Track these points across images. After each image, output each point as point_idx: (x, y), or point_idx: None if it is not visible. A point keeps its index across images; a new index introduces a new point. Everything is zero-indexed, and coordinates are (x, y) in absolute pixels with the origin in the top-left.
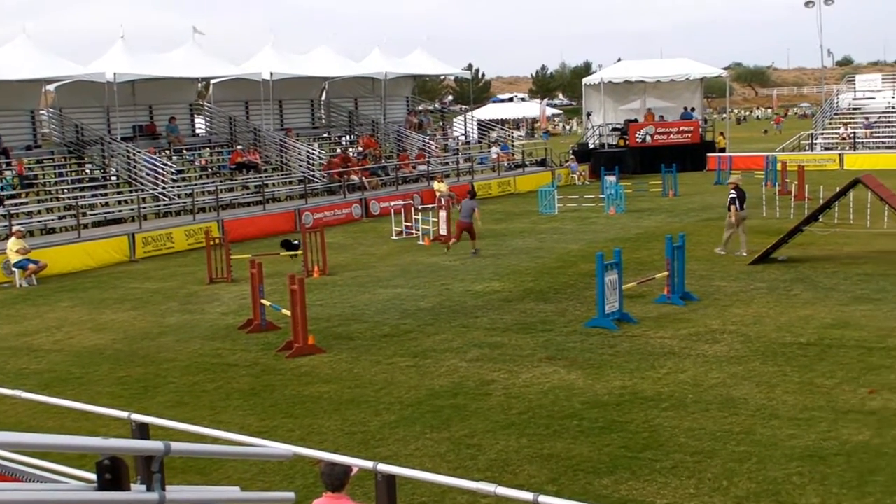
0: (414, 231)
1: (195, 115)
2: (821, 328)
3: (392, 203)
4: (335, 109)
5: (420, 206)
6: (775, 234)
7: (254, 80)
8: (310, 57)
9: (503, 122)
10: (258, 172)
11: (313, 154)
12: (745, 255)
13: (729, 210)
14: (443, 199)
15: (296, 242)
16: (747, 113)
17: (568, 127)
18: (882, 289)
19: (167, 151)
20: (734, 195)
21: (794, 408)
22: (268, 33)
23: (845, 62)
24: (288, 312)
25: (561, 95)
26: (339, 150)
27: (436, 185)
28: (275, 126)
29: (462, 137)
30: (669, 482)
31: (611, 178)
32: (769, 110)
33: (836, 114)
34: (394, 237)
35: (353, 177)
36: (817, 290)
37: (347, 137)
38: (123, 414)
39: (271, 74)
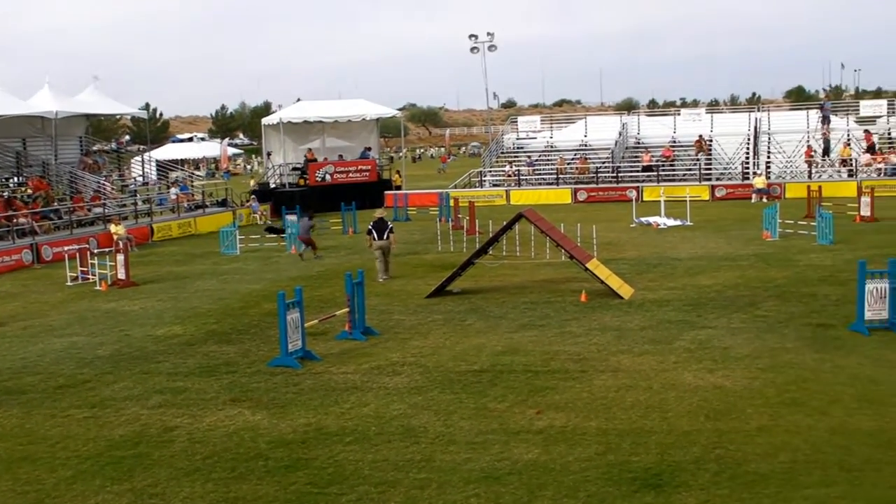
0: (90, 276)
1: None
2: (493, 355)
3: (66, 248)
4: (1, 150)
5: (96, 250)
6: (450, 268)
7: None
8: None
9: (183, 162)
10: None
11: None
12: (382, 280)
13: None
14: (121, 242)
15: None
16: (422, 151)
17: (249, 167)
18: (546, 315)
19: None
20: (370, 226)
21: (470, 432)
22: None
23: (510, 104)
24: None
25: (241, 135)
26: (5, 194)
27: (113, 227)
28: None
29: (140, 178)
30: None
31: (292, 218)
32: (442, 149)
33: (502, 153)
34: (69, 283)
35: (22, 220)
36: (489, 319)
37: (15, 179)
38: None
39: None
